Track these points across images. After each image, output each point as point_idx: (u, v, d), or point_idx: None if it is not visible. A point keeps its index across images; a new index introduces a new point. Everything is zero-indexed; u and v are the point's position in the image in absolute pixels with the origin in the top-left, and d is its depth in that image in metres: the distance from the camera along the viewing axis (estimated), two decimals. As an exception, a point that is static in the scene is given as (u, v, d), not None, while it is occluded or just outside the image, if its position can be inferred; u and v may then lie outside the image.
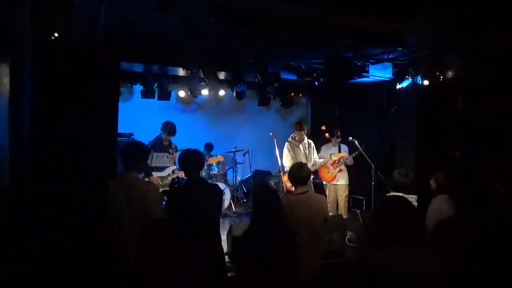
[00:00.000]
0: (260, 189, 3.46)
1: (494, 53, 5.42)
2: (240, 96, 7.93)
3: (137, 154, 3.37)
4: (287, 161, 6.18)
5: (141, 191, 3.18)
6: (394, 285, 1.96)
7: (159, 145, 5.94)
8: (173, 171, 5.88)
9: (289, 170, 3.80)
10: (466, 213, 2.42)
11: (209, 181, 5.83)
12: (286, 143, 6.29)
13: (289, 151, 6.20)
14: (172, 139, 6.07)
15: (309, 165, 6.00)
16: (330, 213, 6.57)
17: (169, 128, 5.89)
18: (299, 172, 3.66)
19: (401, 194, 3.36)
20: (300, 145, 6.22)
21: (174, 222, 3.29)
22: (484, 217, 2.42)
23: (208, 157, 7.60)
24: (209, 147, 8.26)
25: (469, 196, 2.47)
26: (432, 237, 2.46)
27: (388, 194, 3.59)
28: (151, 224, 1.88)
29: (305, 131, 6.20)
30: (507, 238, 2.34)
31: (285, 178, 5.98)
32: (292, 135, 6.31)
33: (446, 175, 3.32)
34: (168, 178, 5.81)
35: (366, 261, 2.05)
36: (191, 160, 3.57)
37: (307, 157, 6.20)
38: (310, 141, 6.34)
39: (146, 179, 5.43)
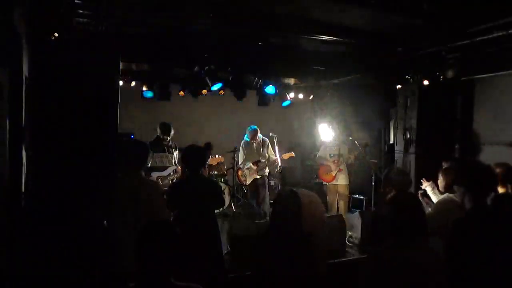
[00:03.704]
0: (282, 191, 3.45)
1: (493, 52, 5.42)
2: (240, 96, 7.93)
3: (142, 153, 3.42)
4: (239, 158, 6.85)
5: (148, 191, 3.20)
6: (396, 281, 1.96)
7: (158, 145, 5.94)
8: (174, 171, 5.87)
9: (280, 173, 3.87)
10: (483, 208, 2.43)
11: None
12: (242, 142, 6.82)
13: (243, 148, 6.77)
14: (172, 138, 6.07)
15: (261, 160, 6.63)
16: (330, 213, 6.60)
17: (162, 129, 5.92)
18: (288, 173, 3.70)
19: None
20: (254, 143, 6.69)
21: (173, 221, 3.31)
22: (496, 211, 2.43)
23: (208, 157, 7.59)
24: (208, 147, 8.26)
25: (484, 190, 2.48)
26: (452, 236, 2.44)
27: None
28: (149, 225, 1.87)
29: (251, 139, 6.66)
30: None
31: (239, 172, 6.89)
32: (245, 135, 6.79)
33: (461, 172, 3.26)
34: (169, 178, 5.80)
35: (365, 259, 2.05)
36: (192, 157, 3.61)
37: (260, 154, 6.68)
38: (265, 139, 6.79)
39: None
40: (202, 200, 3.46)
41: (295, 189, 3.16)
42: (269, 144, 6.75)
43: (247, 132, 6.73)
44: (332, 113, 9.04)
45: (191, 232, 3.21)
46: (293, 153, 7.01)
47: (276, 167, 6.59)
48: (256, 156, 6.66)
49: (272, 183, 6.98)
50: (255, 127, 6.73)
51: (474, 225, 2.38)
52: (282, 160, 6.64)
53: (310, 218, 3.38)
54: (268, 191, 6.80)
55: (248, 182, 6.70)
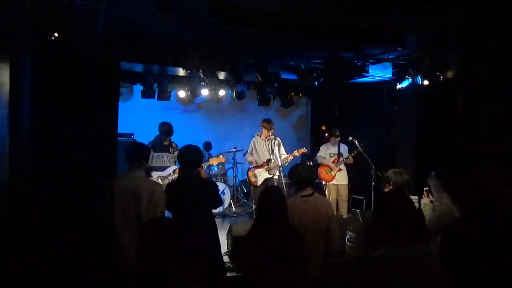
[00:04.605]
0: (265, 189, 3.40)
1: (494, 53, 5.42)
2: (240, 96, 7.93)
3: (143, 153, 3.44)
4: (248, 157, 6.58)
5: (149, 190, 3.20)
6: (393, 283, 1.96)
7: (159, 145, 5.94)
8: (174, 171, 5.88)
9: (293, 171, 3.68)
10: (472, 216, 2.42)
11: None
12: (252, 139, 6.57)
13: (252, 147, 6.53)
14: (172, 138, 6.08)
15: (273, 160, 6.35)
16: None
17: (163, 130, 5.91)
18: (303, 173, 3.54)
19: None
20: (266, 142, 6.45)
21: (172, 220, 3.31)
22: (490, 219, 2.43)
23: (207, 157, 7.60)
24: (207, 146, 8.27)
25: (473, 200, 2.47)
26: (443, 241, 2.44)
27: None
28: (151, 224, 1.88)
29: (271, 129, 6.37)
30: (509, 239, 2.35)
31: (250, 173, 6.53)
32: (258, 132, 6.56)
33: (451, 180, 3.27)
34: (169, 178, 5.81)
35: (364, 259, 2.05)
36: (188, 156, 3.60)
37: (271, 152, 6.44)
38: (278, 138, 6.50)
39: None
40: (198, 200, 3.45)
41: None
42: (281, 143, 6.47)
43: (264, 125, 6.37)
44: (332, 113, 9.06)
45: (188, 232, 3.20)
46: (306, 149, 6.76)
47: (278, 167, 6.48)
48: (266, 155, 6.43)
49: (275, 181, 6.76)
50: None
51: (464, 232, 2.37)
52: (294, 156, 6.45)
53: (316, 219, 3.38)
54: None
55: (259, 183, 6.36)
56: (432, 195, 3.96)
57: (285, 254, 2.82)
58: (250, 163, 6.53)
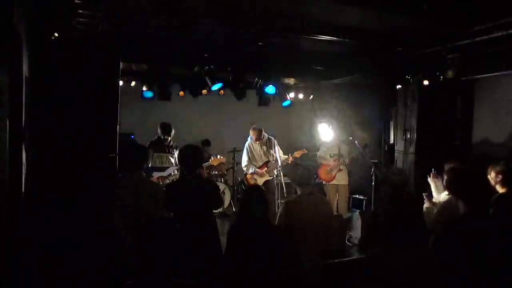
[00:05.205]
0: (249, 188, 3.46)
1: (493, 53, 5.42)
2: (240, 96, 7.93)
3: (143, 155, 3.45)
4: (243, 160, 6.55)
5: (149, 191, 3.21)
6: (392, 283, 1.96)
7: (160, 145, 5.95)
8: (175, 171, 5.87)
9: (292, 172, 3.68)
10: (472, 216, 2.42)
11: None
12: (246, 143, 6.56)
13: (247, 151, 6.51)
14: (172, 138, 6.08)
15: (270, 161, 6.34)
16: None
17: (163, 130, 5.93)
18: (302, 172, 3.55)
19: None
20: (259, 144, 6.44)
21: (170, 218, 3.33)
22: (489, 218, 2.43)
23: (206, 154, 7.58)
24: (206, 143, 8.26)
25: (473, 199, 2.47)
26: (442, 239, 2.44)
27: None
28: (149, 222, 1.88)
29: (257, 139, 6.38)
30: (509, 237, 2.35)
31: (248, 176, 6.52)
32: (250, 136, 6.53)
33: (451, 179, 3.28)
34: (169, 178, 5.80)
35: (364, 259, 2.06)
36: (188, 156, 3.59)
37: (266, 154, 6.43)
38: (271, 138, 6.47)
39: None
40: (199, 200, 3.46)
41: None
42: (276, 143, 6.42)
43: (252, 132, 6.42)
44: (332, 113, 9.04)
45: (188, 232, 3.22)
46: (305, 150, 6.74)
47: (277, 167, 6.38)
48: (263, 158, 6.42)
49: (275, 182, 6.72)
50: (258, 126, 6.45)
51: (464, 231, 2.37)
52: (294, 158, 6.41)
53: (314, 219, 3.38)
54: (278, 191, 6.38)
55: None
56: (432, 196, 3.98)
57: (263, 253, 2.85)
58: (256, 173, 6.43)
